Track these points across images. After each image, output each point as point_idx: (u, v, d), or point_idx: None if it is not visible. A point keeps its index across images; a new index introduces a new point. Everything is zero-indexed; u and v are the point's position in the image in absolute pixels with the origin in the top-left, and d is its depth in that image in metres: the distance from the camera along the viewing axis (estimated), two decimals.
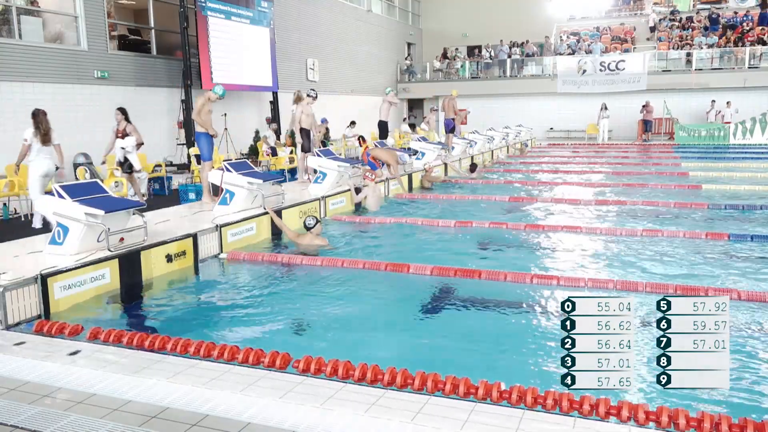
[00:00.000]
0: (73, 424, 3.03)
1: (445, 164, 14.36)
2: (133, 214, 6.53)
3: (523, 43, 29.11)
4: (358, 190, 10.24)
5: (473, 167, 13.83)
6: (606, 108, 24.61)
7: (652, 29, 28.18)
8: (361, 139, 18.63)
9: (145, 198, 10.13)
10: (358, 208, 10.32)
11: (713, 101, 24.16)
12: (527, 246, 7.76)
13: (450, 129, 17.01)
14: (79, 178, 10.58)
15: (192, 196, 10.41)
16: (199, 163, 12.06)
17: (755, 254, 7.04)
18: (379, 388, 3.42)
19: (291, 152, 15.14)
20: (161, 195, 12.05)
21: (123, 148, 9.91)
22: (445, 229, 8.75)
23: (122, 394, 3.35)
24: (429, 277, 6.21)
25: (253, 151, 16.08)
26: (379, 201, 10.38)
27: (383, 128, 15.12)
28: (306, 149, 11.60)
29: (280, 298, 6.05)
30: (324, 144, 14.42)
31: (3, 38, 11.46)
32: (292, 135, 16.88)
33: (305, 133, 11.94)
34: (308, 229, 7.46)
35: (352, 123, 19.63)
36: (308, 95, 11.85)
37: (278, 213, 8.22)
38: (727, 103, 23.82)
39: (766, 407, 3.56)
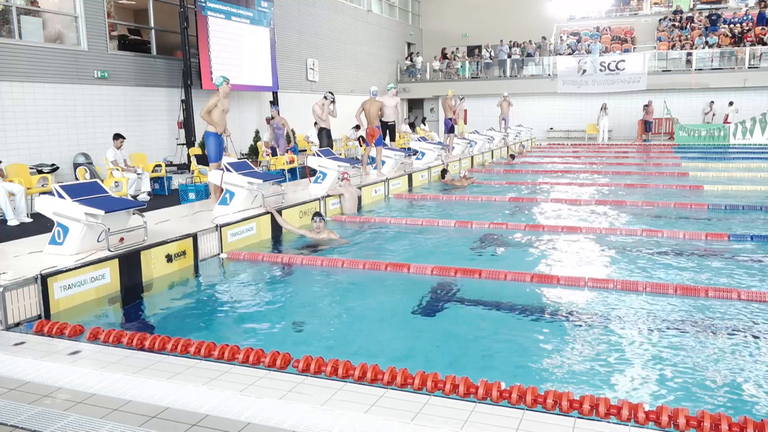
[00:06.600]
0: (73, 424, 3.03)
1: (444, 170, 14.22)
2: (133, 214, 6.54)
3: (523, 43, 29.11)
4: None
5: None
6: (606, 108, 24.62)
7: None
8: (361, 140, 18.67)
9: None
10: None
11: (711, 102, 24.22)
12: (527, 246, 7.76)
13: (449, 129, 17.01)
14: (79, 178, 10.58)
15: (192, 196, 10.39)
16: (198, 163, 12.10)
17: (755, 254, 7.04)
18: (379, 388, 3.42)
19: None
20: (161, 195, 12.05)
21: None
22: (445, 229, 8.75)
23: (122, 394, 3.35)
24: (429, 277, 6.22)
25: (253, 151, 16.08)
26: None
27: (392, 130, 14.45)
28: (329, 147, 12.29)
29: (280, 298, 6.06)
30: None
31: (3, 38, 11.45)
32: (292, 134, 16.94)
33: (325, 132, 12.53)
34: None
35: (357, 126, 19.67)
36: (325, 98, 12.43)
37: (278, 213, 8.23)
38: (730, 102, 23.85)
39: (767, 407, 3.56)
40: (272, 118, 13.88)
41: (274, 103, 17.97)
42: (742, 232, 7.93)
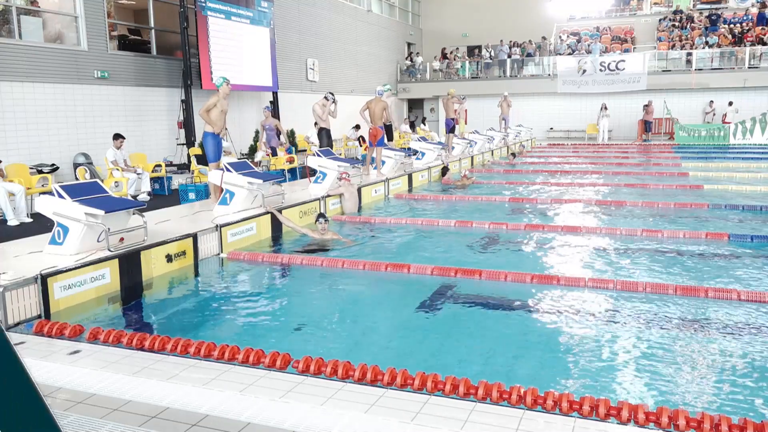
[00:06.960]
0: (73, 424, 3.03)
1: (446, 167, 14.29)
2: (133, 214, 6.53)
3: (523, 43, 29.11)
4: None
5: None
6: (606, 108, 24.63)
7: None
8: (361, 140, 18.69)
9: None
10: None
11: (711, 102, 24.25)
12: (527, 246, 7.76)
13: (450, 129, 17.02)
14: (79, 178, 10.58)
15: (192, 196, 10.39)
16: (198, 163, 12.10)
17: (755, 254, 7.04)
18: (379, 388, 3.42)
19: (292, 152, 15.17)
20: (161, 195, 12.05)
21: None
22: (445, 229, 8.75)
23: (122, 394, 3.35)
24: (429, 277, 6.21)
25: (253, 151, 16.08)
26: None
27: (389, 130, 14.85)
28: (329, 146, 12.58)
29: (280, 298, 6.06)
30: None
31: (3, 38, 11.45)
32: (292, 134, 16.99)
33: (325, 132, 12.64)
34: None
35: (357, 126, 19.70)
36: (326, 98, 12.57)
37: (279, 212, 8.23)
38: (730, 102, 23.88)
39: (766, 407, 3.56)
40: (265, 119, 13.91)
41: (272, 103, 17.99)
42: (742, 232, 7.93)
